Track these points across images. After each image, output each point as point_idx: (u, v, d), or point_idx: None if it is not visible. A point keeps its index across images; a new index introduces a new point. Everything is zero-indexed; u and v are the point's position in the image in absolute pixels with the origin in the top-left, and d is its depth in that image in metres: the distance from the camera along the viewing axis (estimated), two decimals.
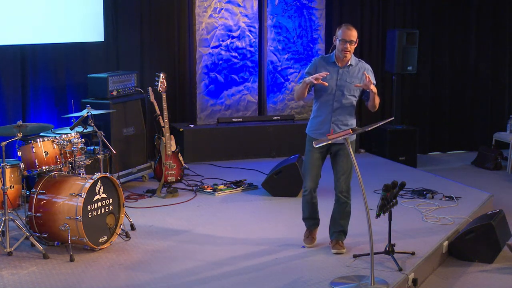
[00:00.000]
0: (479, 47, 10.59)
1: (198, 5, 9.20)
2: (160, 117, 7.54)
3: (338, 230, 5.75)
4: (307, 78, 5.47)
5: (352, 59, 5.60)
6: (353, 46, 5.53)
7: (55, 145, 5.92)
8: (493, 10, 10.56)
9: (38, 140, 5.87)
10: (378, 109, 10.56)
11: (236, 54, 9.47)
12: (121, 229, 6.04)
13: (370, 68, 5.67)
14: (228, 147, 9.25)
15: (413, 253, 5.66)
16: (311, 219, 5.87)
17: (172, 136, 7.63)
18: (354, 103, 5.64)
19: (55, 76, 7.97)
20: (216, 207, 7.11)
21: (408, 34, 9.62)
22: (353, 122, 5.64)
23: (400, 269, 5.33)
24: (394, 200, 5.40)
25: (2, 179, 5.65)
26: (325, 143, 5.25)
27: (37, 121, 7.54)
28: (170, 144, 7.55)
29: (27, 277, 5.23)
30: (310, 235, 5.87)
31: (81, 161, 5.96)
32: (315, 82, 5.40)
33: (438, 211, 6.89)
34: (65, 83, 8.03)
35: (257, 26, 9.53)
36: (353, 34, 5.52)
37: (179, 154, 7.66)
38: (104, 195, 5.83)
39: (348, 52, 5.52)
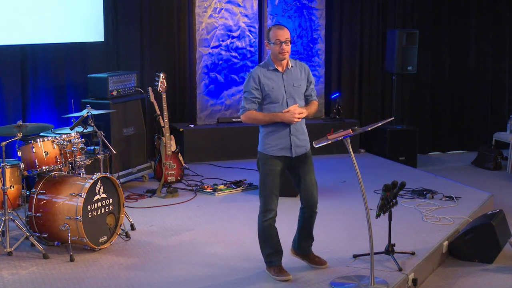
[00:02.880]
0: (479, 47, 10.59)
1: (198, 5, 9.20)
2: (160, 117, 7.53)
3: (311, 243, 5.45)
4: (284, 116, 5.04)
5: (290, 61, 5.18)
6: (289, 46, 5.10)
7: (55, 145, 5.92)
8: (493, 9, 10.56)
9: (38, 140, 5.87)
10: (378, 109, 10.59)
11: (236, 54, 9.47)
12: (121, 229, 6.04)
13: (308, 68, 5.32)
14: (228, 147, 9.25)
15: (413, 253, 5.66)
16: (277, 252, 5.25)
17: (172, 136, 7.63)
18: None
19: (55, 76, 7.97)
20: (216, 207, 7.11)
21: (408, 34, 9.62)
22: (305, 127, 5.26)
23: (400, 269, 5.33)
24: (394, 200, 5.40)
25: (2, 179, 5.66)
26: (325, 143, 5.20)
27: (37, 121, 7.54)
28: (170, 144, 7.55)
29: (27, 277, 5.23)
30: (281, 268, 5.24)
31: (81, 161, 5.96)
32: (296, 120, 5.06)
33: (438, 211, 6.89)
34: (65, 83, 8.04)
35: (257, 26, 9.53)
36: (287, 32, 5.09)
37: (179, 154, 7.66)
38: (104, 195, 5.83)
39: (286, 53, 5.08)
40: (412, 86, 10.42)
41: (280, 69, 5.17)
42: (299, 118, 5.09)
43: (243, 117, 5.21)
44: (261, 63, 5.25)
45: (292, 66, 5.20)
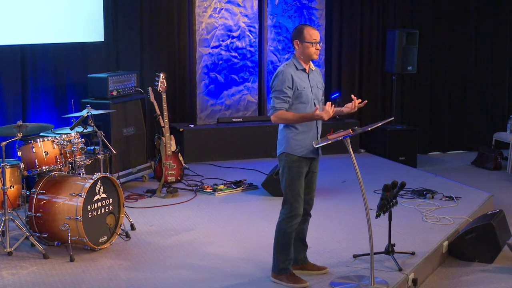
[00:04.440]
0: (479, 47, 10.59)
1: (198, 5, 9.20)
2: (160, 117, 7.53)
3: (306, 250, 5.34)
4: (321, 115, 4.87)
5: (310, 63, 5.13)
6: None
7: (55, 145, 5.92)
8: (493, 9, 10.56)
9: (38, 140, 5.87)
10: (378, 109, 10.59)
11: (236, 54, 9.47)
12: (121, 229, 6.04)
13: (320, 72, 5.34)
14: (228, 147, 9.25)
15: (413, 253, 5.67)
16: (291, 259, 5.12)
17: (172, 136, 7.63)
18: None
19: (55, 76, 7.97)
20: (216, 207, 7.11)
21: (408, 34, 9.62)
22: None
23: (400, 269, 5.33)
24: (394, 200, 5.40)
25: (2, 179, 5.65)
26: (325, 143, 5.17)
27: (37, 121, 7.54)
28: (170, 144, 7.55)
29: (27, 277, 5.23)
30: (295, 275, 5.10)
31: (81, 161, 5.96)
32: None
33: (438, 211, 6.89)
34: (65, 83, 8.04)
35: (257, 26, 9.53)
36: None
37: (179, 154, 7.66)
38: (104, 195, 5.83)
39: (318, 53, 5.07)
40: (412, 86, 10.42)
41: (306, 69, 5.08)
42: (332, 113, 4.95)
43: (273, 118, 5.05)
44: (286, 63, 5.06)
45: (314, 68, 5.15)
